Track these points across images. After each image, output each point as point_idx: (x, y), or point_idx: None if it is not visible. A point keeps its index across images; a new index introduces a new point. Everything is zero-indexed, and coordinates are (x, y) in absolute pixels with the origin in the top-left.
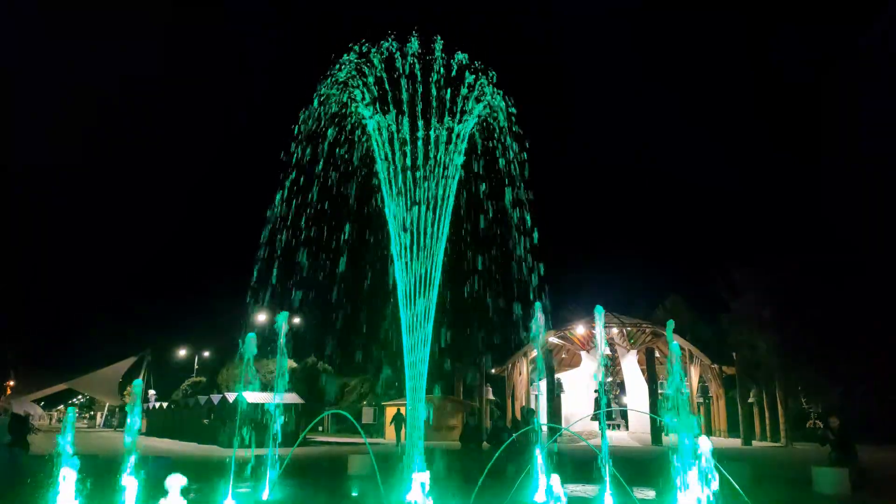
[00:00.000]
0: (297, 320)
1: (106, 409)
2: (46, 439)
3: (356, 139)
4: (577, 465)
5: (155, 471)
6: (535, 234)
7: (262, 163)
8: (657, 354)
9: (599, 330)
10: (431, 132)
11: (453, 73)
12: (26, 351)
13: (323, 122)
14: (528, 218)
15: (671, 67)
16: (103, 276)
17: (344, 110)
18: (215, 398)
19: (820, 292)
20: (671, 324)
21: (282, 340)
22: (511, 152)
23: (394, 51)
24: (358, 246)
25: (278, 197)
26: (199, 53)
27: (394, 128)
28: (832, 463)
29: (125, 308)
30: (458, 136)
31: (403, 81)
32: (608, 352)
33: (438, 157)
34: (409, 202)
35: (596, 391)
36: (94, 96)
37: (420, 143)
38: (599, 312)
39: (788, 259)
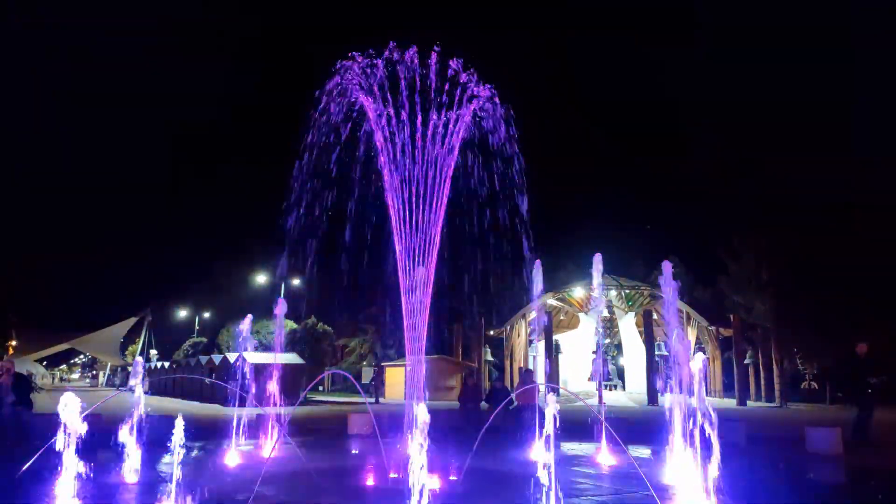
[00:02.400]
0: (296, 282)
1: (108, 368)
2: (49, 398)
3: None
4: (574, 424)
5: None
6: (525, 202)
7: (263, 127)
8: (655, 316)
9: (598, 273)
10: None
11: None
12: (28, 311)
13: (327, 104)
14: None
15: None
16: (104, 237)
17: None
18: (216, 358)
19: (818, 255)
20: (667, 265)
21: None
22: (505, 117)
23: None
24: (360, 208)
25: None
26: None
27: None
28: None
29: (126, 269)
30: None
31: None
32: (603, 299)
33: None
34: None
35: (594, 352)
36: (100, 53)
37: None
38: (598, 260)
39: (787, 221)
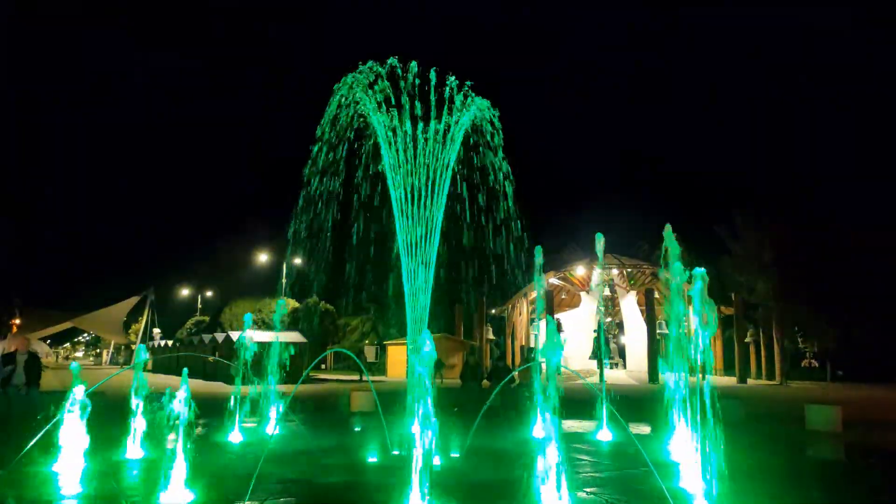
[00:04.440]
0: (297, 260)
1: (111, 346)
2: (54, 376)
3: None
4: (575, 402)
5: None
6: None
7: (267, 110)
8: (656, 295)
9: (599, 251)
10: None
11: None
12: (31, 290)
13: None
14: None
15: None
16: (107, 217)
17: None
18: (219, 336)
19: (819, 237)
20: (668, 227)
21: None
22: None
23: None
24: (362, 189)
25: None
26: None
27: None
28: None
29: (129, 248)
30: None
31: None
32: (608, 277)
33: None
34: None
35: (595, 331)
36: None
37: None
38: (599, 239)
39: (789, 203)
